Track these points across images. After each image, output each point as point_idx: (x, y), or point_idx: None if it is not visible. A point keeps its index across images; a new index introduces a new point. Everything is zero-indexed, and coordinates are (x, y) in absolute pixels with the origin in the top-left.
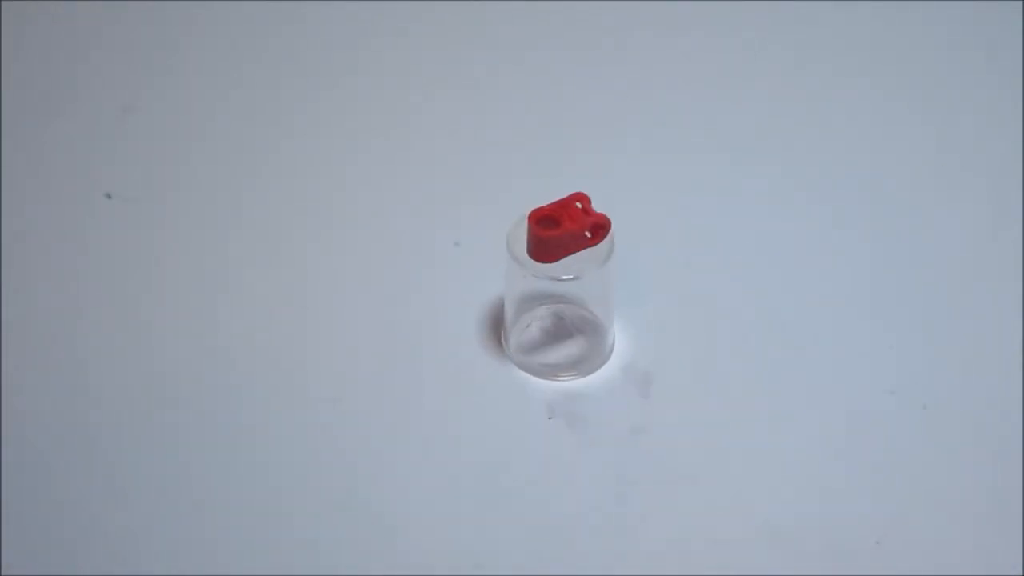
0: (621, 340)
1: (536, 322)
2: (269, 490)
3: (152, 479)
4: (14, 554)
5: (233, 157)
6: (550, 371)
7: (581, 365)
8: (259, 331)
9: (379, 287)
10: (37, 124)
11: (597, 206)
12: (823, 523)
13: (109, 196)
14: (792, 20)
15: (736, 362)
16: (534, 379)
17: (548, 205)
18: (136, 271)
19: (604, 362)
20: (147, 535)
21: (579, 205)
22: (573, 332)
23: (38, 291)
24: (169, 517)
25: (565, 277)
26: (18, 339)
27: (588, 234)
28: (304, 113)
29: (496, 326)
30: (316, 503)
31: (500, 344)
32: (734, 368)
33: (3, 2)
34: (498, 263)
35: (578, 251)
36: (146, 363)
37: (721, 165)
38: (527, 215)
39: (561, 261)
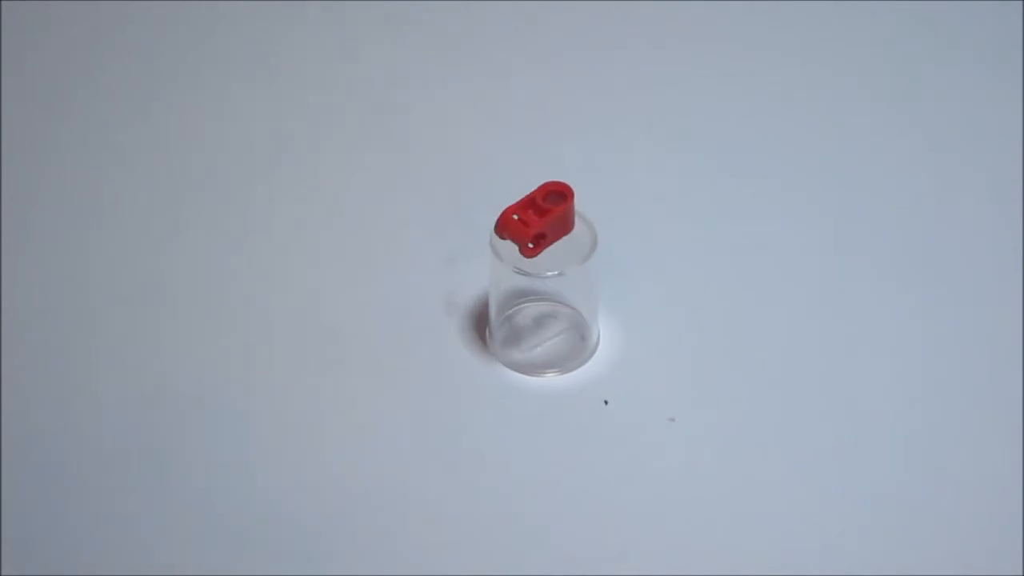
0: (605, 337)
1: (520, 319)
2: (257, 488)
3: (152, 477)
4: (14, 554)
5: (225, 157)
6: (535, 368)
7: (566, 362)
8: (245, 326)
9: (363, 284)
10: (37, 125)
11: (582, 202)
12: (816, 522)
13: None
14: (791, 19)
15: (722, 358)
16: (519, 376)
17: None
18: (135, 273)
19: (588, 359)
20: (147, 535)
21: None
22: (557, 329)
23: (38, 296)
24: (168, 516)
25: (549, 273)
26: (18, 339)
27: (530, 244)
28: (294, 113)
29: (480, 323)
30: (299, 501)
31: (484, 341)
32: (720, 364)
33: (3, 2)
34: (482, 260)
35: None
36: (144, 360)
37: (707, 159)
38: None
39: (545, 257)
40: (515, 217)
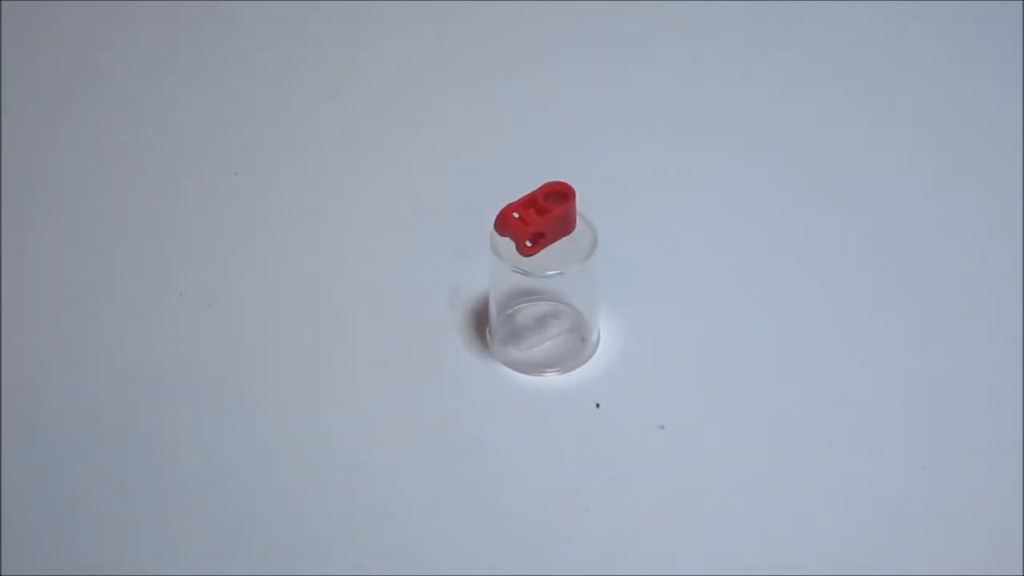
0: (606, 336)
1: (520, 318)
2: (257, 487)
3: (151, 477)
4: (14, 554)
5: (224, 155)
6: (535, 367)
7: (566, 361)
8: (244, 325)
9: (363, 284)
10: (37, 127)
11: (583, 201)
12: (816, 523)
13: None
14: (791, 19)
15: (722, 360)
16: (518, 375)
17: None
18: (134, 266)
19: (588, 358)
20: (146, 535)
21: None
22: (557, 328)
23: (37, 294)
24: (168, 516)
25: (549, 273)
26: (18, 338)
27: (528, 243)
28: (293, 111)
29: (481, 322)
30: (296, 496)
31: (485, 340)
32: (720, 364)
33: (3, 2)
34: (483, 259)
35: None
36: (144, 361)
37: (709, 158)
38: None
39: (545, 256)
40: (515, 215)
